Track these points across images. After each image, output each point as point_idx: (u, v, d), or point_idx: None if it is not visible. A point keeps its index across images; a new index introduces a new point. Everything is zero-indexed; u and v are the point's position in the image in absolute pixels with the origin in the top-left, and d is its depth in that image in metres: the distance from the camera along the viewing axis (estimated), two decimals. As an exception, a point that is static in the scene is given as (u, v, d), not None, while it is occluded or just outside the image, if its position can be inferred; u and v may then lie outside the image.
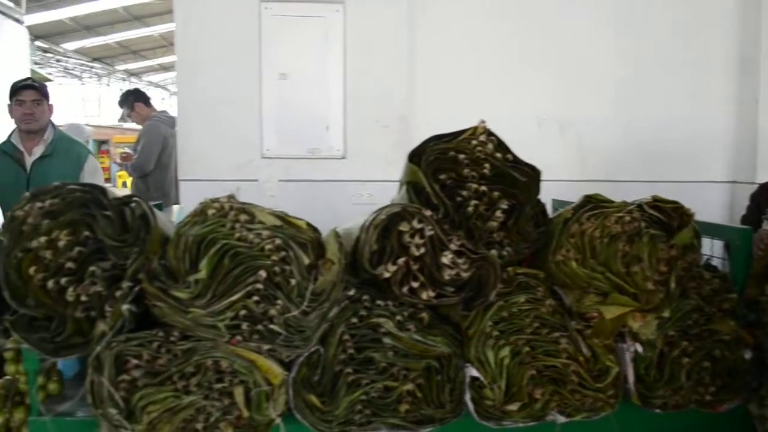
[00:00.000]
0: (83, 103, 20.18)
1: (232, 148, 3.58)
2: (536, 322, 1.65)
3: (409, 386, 1.56)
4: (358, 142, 3.65)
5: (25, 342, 1.42)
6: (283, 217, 1.51)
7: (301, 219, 1.55)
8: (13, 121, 3.46)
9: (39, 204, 1.44)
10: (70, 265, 1.41)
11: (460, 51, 3.73)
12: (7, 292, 1.42)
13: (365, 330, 1.55)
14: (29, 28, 7.06)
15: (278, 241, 1.44)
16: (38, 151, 3.36)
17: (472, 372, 1.61)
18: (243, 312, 1.42)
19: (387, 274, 1.48)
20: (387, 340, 1.55)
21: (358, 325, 1.55)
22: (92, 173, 3.48)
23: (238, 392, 1.45)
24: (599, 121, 3.71)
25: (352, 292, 1.55)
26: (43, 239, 1.41)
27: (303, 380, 1.51)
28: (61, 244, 1.41)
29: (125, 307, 1.40)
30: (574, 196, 1.81)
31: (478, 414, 1.62)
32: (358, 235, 1.55)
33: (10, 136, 3.44)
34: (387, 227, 1.51)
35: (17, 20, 6.65)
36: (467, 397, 1.61)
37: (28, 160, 3.35)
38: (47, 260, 1.41)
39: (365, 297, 1.56)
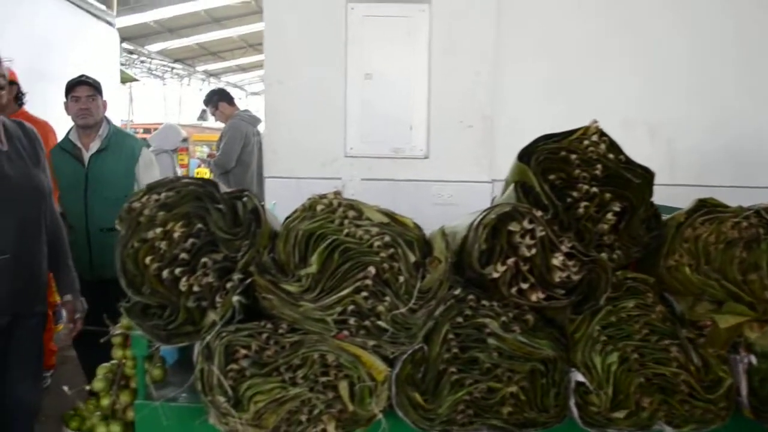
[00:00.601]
0: (164, 103, 20.87)
1: (316, 147, 3.62)
2: (645, 329, 1.59)
3: (513, 388, 1.53)
4: (441, 142, 3.63)
5: (139, 328, 1.47)
6: (390, 215, 1.51)
7: (407, 217, 1.54)
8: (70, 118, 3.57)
9: (155, 196, 1.48)
10: (183, 256, 1.44)
11: (546, 51, 3.65)
12: (123, 280, 1.47)
13: (470, 330, 1.53)
14: (118, 30, 7.34)
15: (387, 238, 1.44)
16: (94, 146, 3.46)
17: (578, 377, 1.56)
18: (351, 307, 1.42)
19: (496, 275, 1.45)
20: (492, 341, 1.53)
21: (462, 325, 1.53)
22: (147, 166, 3.56)
23: (343, 386, 1.45)
24: (688, 123, 3.57)
25: (457, 291, 1.53)
26: (158, 230, 1.45)
27: (406, 377, 1.50)
28: (175, 235, 1.44)
29: (235, 298, 1.43)
30: (663, 200, 1.75)
31: (583, 420, 1.57)
32: (464, 234, 1.53)
33: (68, 133, 3.56)
34: (496, 227, 1.48)
35: (109, 23, 6.93)
36: (572, 402, 1.57)
37: (86, 156, 3.45)
38: (162, 251, 1.44)
39: (470, 296, 1.54)
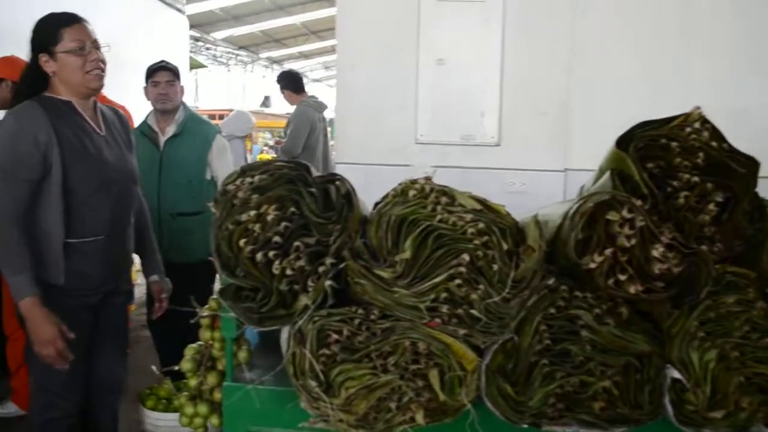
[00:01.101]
0: (228, 89, 21.25)
1: (387, 133, 3.60)
2: (746, 326, 1.52)
3: (606, 383, 1.48)
4: (513, 130, 3.56)
5: (232, 311, 1.48)
6: (482, 201, 1.48)
7: (499, 204, 1.51)
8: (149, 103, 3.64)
9: (249, 179, 1.49)
10: (277, 239, 1.44)
11: (625, 35, 3.53)
12: (217, 262, 1.48)
13: (562, 321, 1.49)
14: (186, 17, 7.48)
15: (481, 225, 1.41)
16: (170, 130, 3.52)
17: (674, 373, 1.51)
18: (444, 295, 1.40)
19: (593, 265, 1.41)
20: (585, 333, 1.49)
21: (555, 316, 1.49)
22: (220, 152, 3.60)
23: (433, 375, 1.44)
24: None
25: (550, 282, 1.49)
26: (252, 213, 1.45)
27: (497, 368, 1.48)
28: (269, 218, 1.45)
29: (328, 282, 1.43)
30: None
31: (678, 419, 1.52)
32: (559, 222, 1.49)
33: (146, 117, 3.64)
34: (593, 216, 1.43)
35: (179, 10, 7.07)
36: (666, 399, 1.52)
37: (161, 140, 3.53)
38: (256, 233, 1.45)
39: (563, 287, 1.50)
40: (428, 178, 1.53)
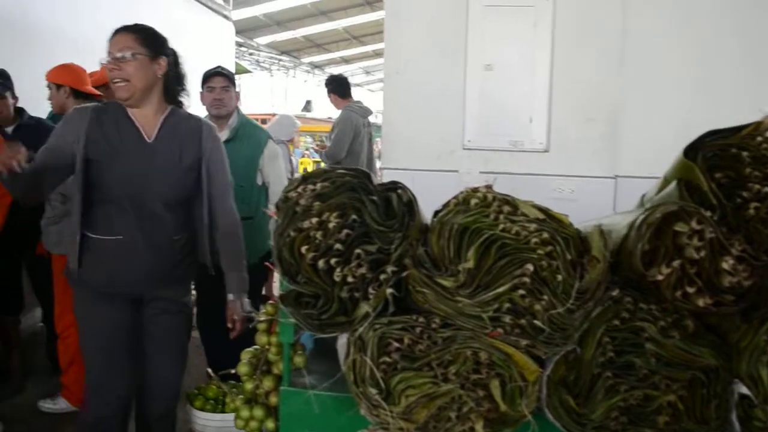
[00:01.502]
0: (271, 94, 21.51)
1: (434, 138, 3.60)
2: (819, 341, 1.47)
3: (671, 397, 1.45)
4: (562, 136, 3.52)
5: (293, 317, 1.49)
6: (545, 210, 1.47)
7: (561, 213, 1.49)
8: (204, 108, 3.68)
9: (311, 186, 1.50)
10: (338, 246, 1.45)
11: (677, 41, 3.47)
12: (279, 269, 1.49)
13: (626, 333, 1.47)
14: (231, 24, 7.59)
15: (545, 235, 1.39)
16: (224, 135, 3.55)
17: (742, 389, 1.47)
18: (507, 305, 1.39)
19: (660, 277, 1.38)
20: (649, 346, 1.46)
21: (619, 328, 1.46)
22: (272, 158, 3.62)
23: (495, 385, 1.42)
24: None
25: (615, 293, 1.47)
26: (314, 220, 1.46)
27: (559, 379, 1.46)
28: (330, 225, 1.45)
29: (389, 290, 1.43)
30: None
31: (745, 436, 1.48)
32: (624, 232, 1.47)
33: None
34: (660, 227, 1.41)
35: (226, 17, 7.17)
36: (734, 415, 1.48)
37: None
38: (318, 240, 1.46)
39: (627, 299, 1.47)
40: (489, 187, 1.52)
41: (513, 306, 1.39)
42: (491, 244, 1.39)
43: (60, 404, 3.65)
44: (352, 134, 5.45)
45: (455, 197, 1.49)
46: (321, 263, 1.44)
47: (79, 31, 4.79)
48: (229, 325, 2.63)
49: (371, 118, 5.87)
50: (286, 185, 3.88)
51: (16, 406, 3.74)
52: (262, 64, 20.29)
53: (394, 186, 1.50)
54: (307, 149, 12.17)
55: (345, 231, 1.45)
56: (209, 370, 2.33)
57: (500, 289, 1.37)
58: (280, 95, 21.94)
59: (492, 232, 1.41)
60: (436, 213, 1.51)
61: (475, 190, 1.49)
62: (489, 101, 3.58)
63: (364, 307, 1.44)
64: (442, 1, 3.57)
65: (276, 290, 5.86)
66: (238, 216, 2.75)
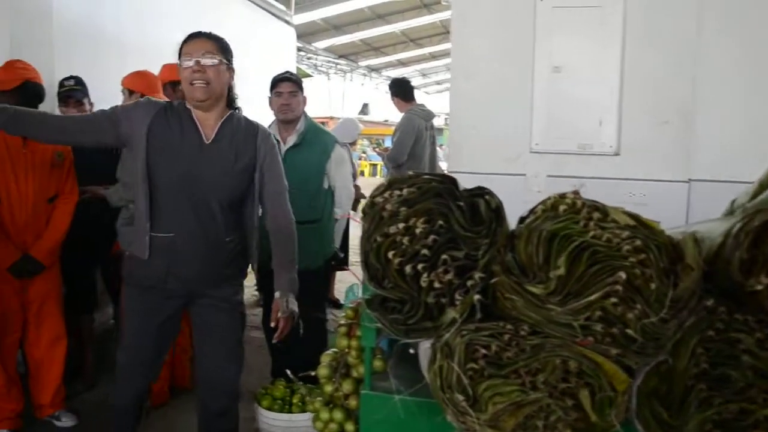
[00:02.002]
0: (329, 98, 21.74)
1: (501, 142, 3.57)
2: None
3: (769, 411, 1.40)
4: (633, 139, 3.44)
5: (378, 321, 1.50)
6: (636, 217, 1.44)
7: (652, 220, 1.45)
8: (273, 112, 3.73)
9: (397, 192, 1.50)
10: (425, 252, 1.45)
11: (752, 40, 3.35)
12: (366, 274, 1.51)
13: (721, 345, 1.43)
14: (290, 29, 7.69)
15: (638, 242, 1.37)
16: (291, 140, 3.57)
17: None
18: (598, 313, 1.36)
19: (759, 287, 1.34)
20: (746, 358, 1.41)
21: (713, 339, 1.43)
22: (338, 162, 3.63)
23: (584, 395, 1.40)
24: None
25: (709, 303, 1.43)
26: (401, 225, 1.47)
27: (651, 390, 1.43)
28: (417, 231, 1.46)
29: (476, 297, 1.42)
30: None
31: None
32: (719, 240, 1.43)
33: (269, 127, 3.72)
34: (759, 234, 1.36)
35: (287, 22, 7.27)
36: (835, 431, 1.42)
37: (283, 149, 3.58)
38: (404, 246, 1.46)
39: (722, 309, 1.43)
40: (576, 192, 1.50)
41: (604, 314, 1.37)
42: (582, 251, 1.37)
43: None
44: (414, 137, 5.44)
45: (542, 203, 1.48)
46: (408, 268, 1.45)
47: (146, 39, 4.93)
48: (272, 324, 2.64)
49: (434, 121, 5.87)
50: (351, 189, 3.93)
51: (89, 401, 3.87)
52: (319, 68, 20.53)
53: (480, 191, 1.50)
54: (363, 152, 12.23)
55: (432, 236, 1.45)
56: (288, 372, 2.36)
57: (592, 297, 1.35)
58: (338, 98, 22.15)
59: (582, 239, 1.38)
60: (523, 219, 1.49)
61: (563, 195, 1.47)
62: (557, 104, 3.53)
63: (451, 313, 1.44)
64: (509, 3, 3.54)
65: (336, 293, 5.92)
66: (292, 218, 2.79)
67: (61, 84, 3.78)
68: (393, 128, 6.01)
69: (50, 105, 3.61)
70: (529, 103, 3.52)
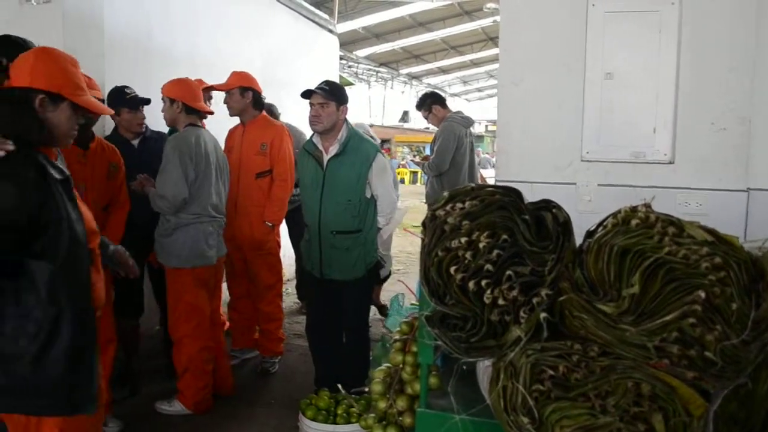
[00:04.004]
0: (369, 105, 21.75)
1: (550, 150, 3.49)
2: None
3: None
4: (689, 146, 3.33)
5: (439, 339, 1.45)
6: (713, 232, 1.36)
7: (731, 235, 1.38)
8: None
9: (459, 205, 1.45)
10: (488, 267, 1.40)
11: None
12: (425, 289, 1.46)
13: (807, 368, 1.34)
14: (333, 37, 7.71)
15: (717, 259, 1.29)
16: (333, 149, 3.53)
17: None
18: (675, 334, 1.29)
19: None
20: (834, 383, 1.32)
21: (798, 362, 1.34)
22: (380, 171, 3.58)
23: (658, 419, 1.32)
24: None
25: (793, 324, 1.34)
26: (463, 240, 1.41)
27: (729, 416, 1.35)
28: (480, 245, 1.40)
29: (543, 315, 1.36)
30: None
31: None
32: (805, 257, 1.34)
33: (312, 136, 3.70)
34: None
35: (330, 31, 7.29)
36: None
37: (325, 158, 3.55)
38: (467, 261, 1.41)
39: (807, 330, 1.34)
40: (647, 205, 1.43)
41: (681, 335, 1.29)
42: (657, 268, 1.30)
43: (175, 406, 3.77)
44: (455, 145, 5.38)
45: (613, 216, 1.41)
46: (470, 284, 1.40)
47: (194, 48, 4.99)
48: None
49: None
50: (394, 198, 3.88)
51: (134, 406, 3.89)
52: (360, 76, 20.58)
53: (547, 204, 1.44)
54: (403, 159, 12.19)
55: (496, 251, 1.40)
56: (339, 386, 2.32)
57: (668, 317, 1.27)
58: (378, 106, 22.15)
59: (657, 255, 1.31)
60: (591, 233, 1.43)
61: (634, 209, 1.40)
62: (609, 111, 3.44)
63: (516, 332, 1.38)
64: (560, 8, 3.46)
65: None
66: None
67: (122, 91, 3.82)
68: (433, 136, 5.95)
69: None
70: (580, 111, 3.44)
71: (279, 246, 4.52)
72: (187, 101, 3.67)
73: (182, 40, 4.88)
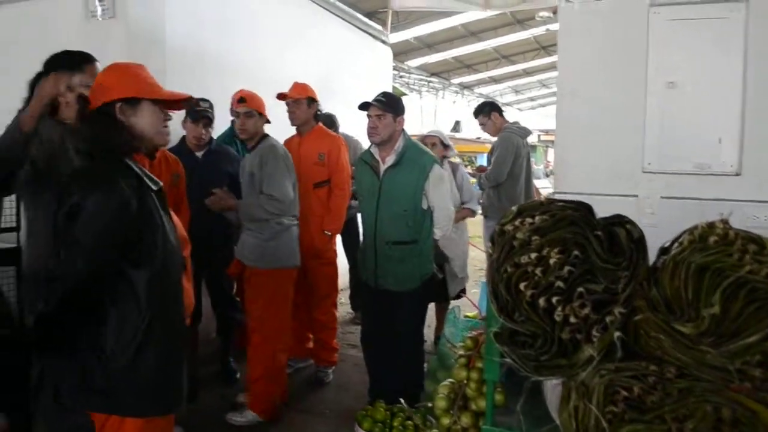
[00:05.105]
0: (421, 115, 21.76)
1: (610, 161, 3.41)
2: None
3: None
4: (757, 158, 3.21)
5: (507, 356, 1.42)
6: (797, 251, 1.30)
7: (817, 253, 1.32)
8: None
9: (528, 220, 1.43)
10: (559, 284, 1.37)
11: None
12: (494, 305, 1.43)
13: None
14: (385, 48, 7.73)
15: (804, 279, 1.24)
16: (390, 160, 3.52)
17: None
18: (758, 357, 1.24)
19: None
20: None
21: None
22: (436, 182, 3.55)
23: (744, 445, 1.27)
24: None
25: None
26: (533, 255, 1.39)
27: (816, 443, 1.28)
28: (551, 261, 1.38)
29: (617, 334, 1.32)
30: None
31: None
32: None
33: (370, 146, 3.70)
34: None
35: (384, 42, 7.32)
36: None
37: (381, 169, 3.54)
38: (537, 277, 1.38)
39: None
40: (725, 221, 1.38)
41: (764, 358, 1.24)
42: (738, 288, 1.25)
43: (247, 416, 3.81)
44: (513, 156, 5.32)
45: (690, 233, 1.37)
46: (541, 301, 1.37)
47: (250, 61, 5.06)
48: None
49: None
50: (450, 209, 3.86)
51: (191, 412, 3.95)
52: (411, 86, 20.59)
53: (620, 220, 1.40)
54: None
55: (567, 268, 1.37)
56: (402, 401, 2.31)
57: (751, 339, 1.23)
58: (430, 116, 22.11)
59: (737, 273, 1.27)
60: (665, 249, 1.39)
61: (712, 225, 1.35)
62: (671, 121, 3.35)
63: (588, 351, 1.35)
64: (620, 17, 3.39)
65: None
66: None
67: (196, 103, 3.91)
68: (485, 146, 5.90)
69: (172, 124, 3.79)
70: (642, 121, 3.35)
71: (336, 255, 4.54)
72: (264, 113, 3.79)
73: (239, 52, 4.97)
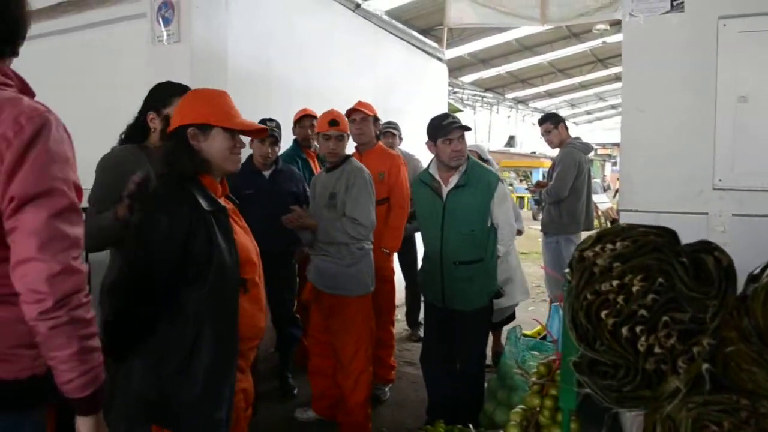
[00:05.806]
0: (475, 131, 21.69)
1: (679, 179, 3.31)
2: None
3: None
4: (835, 173, 3.08)
5: (587, 386, 1.38)
6: None
7: None
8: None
9: (609, 246, 1.39)
10: (643, 312, 1.32)
11: None
12: (573, 334, 1.39)
13: None
14: (440, 65, 7.74)
15: None
16: (453, 180, 3.47)
17: None
18: None
19: None
20: None
21: None
22: (501, 200, 3.49)
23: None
24: None
25: None
26: (615, 283, 1.35)
27: None
28: (634, 289, 1.33)
29: (705, 366, 1.27)
30: None
31: None
32: None
33: (428, 167, 3.65)
34: None
35: (439, 59, 7.33)
36: None
37: (444, 190, 3.49)
38: (619, 305, 1.34)
39: None
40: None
41: None
42: (839, 320, 1.19)
43: (309, 414, 3.90)
44: (575, 171, 5.23)
45: (780, 258, 1.30)
46: (624, 330, 1.32)
47: (310, 81, 5.13)
48: None
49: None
50: (514, 225, 3.80)
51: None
52: (465, 102, 20.52)
53: (707, 247, 1.35)
54: (510, 184, 11.99)
55: (651, 296, 1.32)
56: (470, 426, 2.28)
57: None
58: (484, 131, 21.98)
59: (839, 304, 1.20)
60: (755, 277, 1.33)
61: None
62: (743, 136, 3.24)
63: (674, 382, 1.30)
64: (687, 30, 3.30)
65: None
66: None
67: (264, 123, 3.96)
68: (540, 160, 5.82)
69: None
70: (712, 136, 3.26)
71: (393, 273, 4.53)
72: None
73: (299, 73, 5.04)
